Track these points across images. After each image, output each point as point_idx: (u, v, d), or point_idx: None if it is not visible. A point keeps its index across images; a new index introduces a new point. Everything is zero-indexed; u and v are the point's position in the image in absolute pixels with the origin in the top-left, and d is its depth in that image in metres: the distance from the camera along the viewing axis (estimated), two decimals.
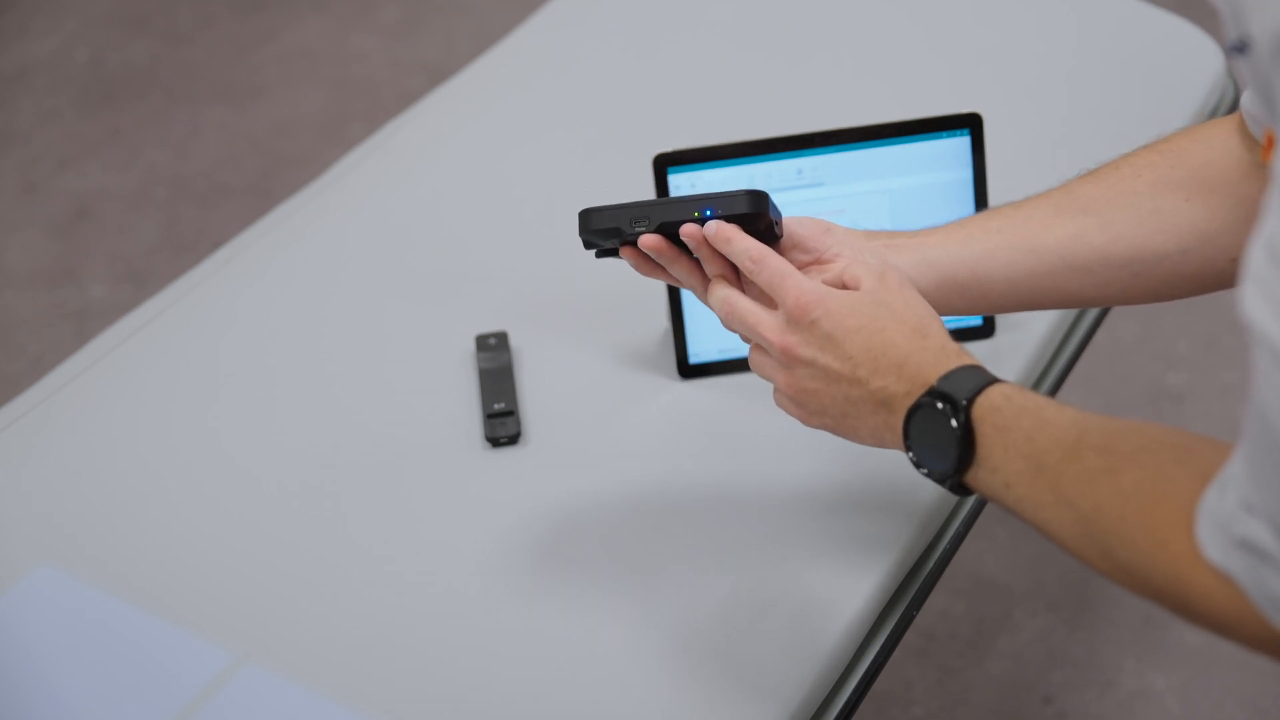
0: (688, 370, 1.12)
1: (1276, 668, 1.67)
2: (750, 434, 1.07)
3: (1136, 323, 2.10)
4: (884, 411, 0.81)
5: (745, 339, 0.87)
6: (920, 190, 1.10)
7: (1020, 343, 1.13)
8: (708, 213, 0.86)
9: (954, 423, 0.77)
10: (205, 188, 2.54)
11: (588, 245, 0.90)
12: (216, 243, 2.23)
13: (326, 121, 2.66)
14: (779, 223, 0.89)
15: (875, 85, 1.41)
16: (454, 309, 1.20)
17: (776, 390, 0.86)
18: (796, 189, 1.08)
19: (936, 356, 0.81)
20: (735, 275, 0.87)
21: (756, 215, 0.86)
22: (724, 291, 0.86)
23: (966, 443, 0.77)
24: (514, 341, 1.16)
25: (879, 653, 0.98)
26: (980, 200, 1.11)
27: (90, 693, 0.93)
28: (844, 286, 0.85)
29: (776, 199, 0.89)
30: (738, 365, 1.12)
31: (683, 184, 1.07)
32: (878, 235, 0.94)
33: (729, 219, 0.86)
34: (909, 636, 1.66)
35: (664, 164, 1.07)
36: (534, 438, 1.09)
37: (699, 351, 1.12)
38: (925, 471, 0.81)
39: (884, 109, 1.15)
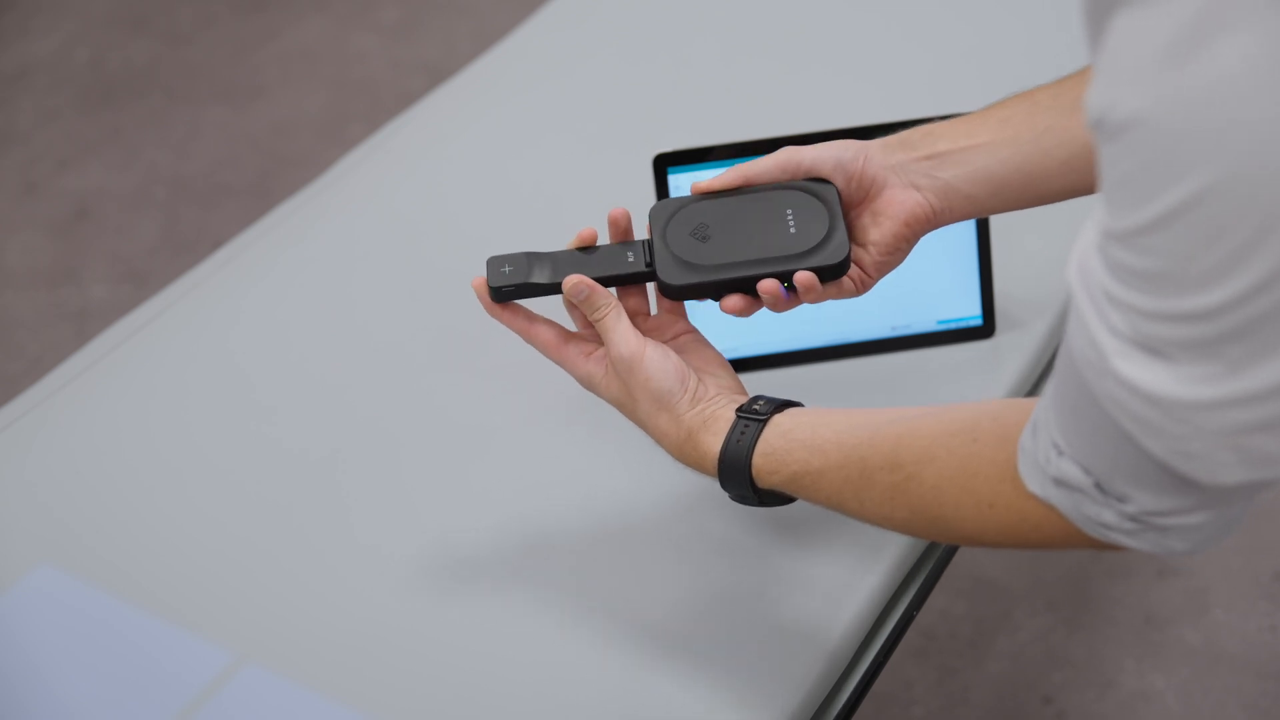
0: None
1: (1277, 668, 1.67)
2: None
3: None
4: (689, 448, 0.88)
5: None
6: None
7: (1020, 343, 1.13)
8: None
9: (753, 498, 0.87)
10: (205, 188, 2.54)
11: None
12: (216, 243, 2.23)
13: (326, 121, 2.66)
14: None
15: (875, 85, 1.41)
16: (454, 309, 1.19)
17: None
18: None
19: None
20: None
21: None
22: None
23: (767, 494, 0.87)
24: None
25: (879, 653, 0.98)
26: None
27: (90, 693, 0.93)
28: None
29: None
30: (737, 365, 1.12)
31: (683, 184, 1.07)
32: (915, 144, 0.91)
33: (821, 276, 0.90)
34: (909, 636, 1.66)
35: (664, 164, 1.07)
36: (536, 436, 1.09)
37: None
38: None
39: (884, 109, 1.15)
